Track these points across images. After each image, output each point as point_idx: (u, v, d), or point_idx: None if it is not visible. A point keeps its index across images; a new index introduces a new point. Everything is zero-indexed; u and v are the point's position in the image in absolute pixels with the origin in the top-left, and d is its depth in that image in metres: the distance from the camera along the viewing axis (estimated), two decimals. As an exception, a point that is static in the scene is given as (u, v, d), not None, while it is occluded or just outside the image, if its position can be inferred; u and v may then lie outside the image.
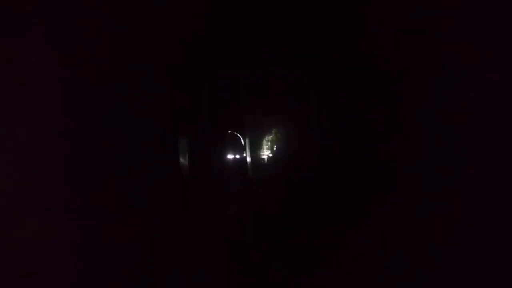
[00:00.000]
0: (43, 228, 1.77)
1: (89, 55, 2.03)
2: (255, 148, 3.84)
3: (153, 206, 2.43)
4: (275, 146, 3.79)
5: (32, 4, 1.78)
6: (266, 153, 3.87)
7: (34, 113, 1.79)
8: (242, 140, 3.83)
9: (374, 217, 2.54)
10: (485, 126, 1.82)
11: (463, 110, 1.93)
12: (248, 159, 3.84)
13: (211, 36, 2.95)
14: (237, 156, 3.82)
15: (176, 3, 2.58)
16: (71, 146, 1.93)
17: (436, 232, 2.08)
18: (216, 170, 3.56)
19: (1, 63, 1.70)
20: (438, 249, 2.04)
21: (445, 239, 2.02)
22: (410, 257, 2.19)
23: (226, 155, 3.78)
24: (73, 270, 1.88)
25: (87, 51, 2.01)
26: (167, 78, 2.72)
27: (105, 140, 2.12)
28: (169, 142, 2.83)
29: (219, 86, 3.36)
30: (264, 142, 3.87)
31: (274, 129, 3.83)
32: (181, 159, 2.99)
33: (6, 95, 1.71)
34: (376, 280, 2.30)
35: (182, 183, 2.97)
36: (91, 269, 1.95)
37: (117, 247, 2.12)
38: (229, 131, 3.82)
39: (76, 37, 1.95)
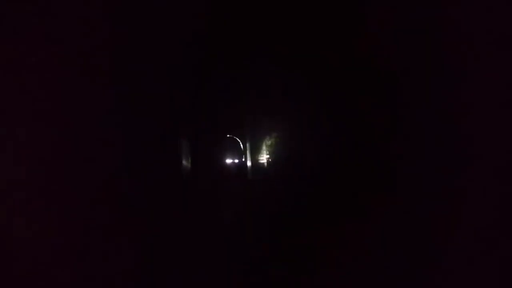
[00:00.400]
0: (43, 228, 1.77)
1: (89, 55, 2.03)
2: (255, 152, 3.83)
3: (153, 206, 2.43)
4: (275, 147, 3.78)
5: (32, 4, 1.79)
6: (265, 157, 3.86)
7: (34, 113, 1.79)
8: (241, 145, 3.82)
9: (374, 217, 2.54)
10: (485, 126, 1.82)
11: (463, 110, 1.93)
12: (249, 163, 3.83)
13: (211, 36, 2.96)
14: (236, 161, 3.81)
15: (176, 3, 2.58)
16: (71, 146, 1.92)
17: (436, 232, 2.08)
18: (216, 172, 3.56)
19: (1, 63, 1.70)
20: (438, 249, 2.04)
21: (445, 239, 2.01)
22: (410, 257, 2.19)
23: (226, 158, 3.77)
24: (73, 269, 1.88)
25: (87, 51, 2.01)
26: (167, 78, 2.72)
27: (105, 140, 2.12)
28: (169, 142, 2.83)
29: (219, 86, 3.36)
30: (264, 146, 3.86)
31: (274, 132, 3.82)
32: (181, 160, 2.99)
33: (6, 95, 1.71)
34: (376, 280, 2.30)
35: (182, 183, 2.97)
36: (91, 269, 1.95)
37: (117, 247, 2.12)
38: (229, 135, 3.81)
39: (76, 37, 1.95)
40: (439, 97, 2.09)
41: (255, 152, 3.86)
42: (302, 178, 3.28)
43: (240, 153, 3.84)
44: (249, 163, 3.85)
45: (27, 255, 1.71)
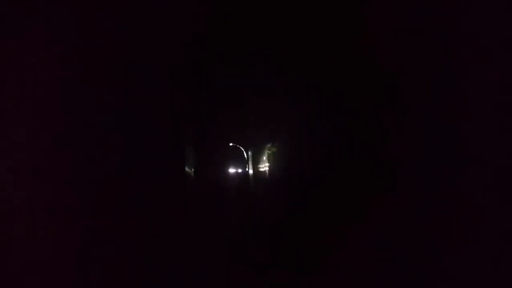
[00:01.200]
0: (43, 228, 1.77)
1: (89, 55, 2.03)
2: (256, 160, 3.80)
3: (153, 207, 2.43)
4: (276, 156, 3.75)
5: (32, 4, 1.79)
6: (266, 166, 3.82)
7: (34, 113, 1.79)
8: (245, 154, 3.79)
9: (374, 217, 2.54)
10: (485, 126, 1.82)
11: (463, 110, 1.93)
12: (250, 172, 3.80)
13: (211, 36, 2.96)
14: (240, 170, 3.78)
15: (176, 4, 2.58)
16: (71, 146, 1.93)
17: (436, 233, 2.08)
18: (219, 184, 3.54)
19: (1, 63, 1.70)
20: (438, 249, 2.04)
21: (445, 239, 2.02)
22: (410, 257, 2.19)
23: (229, 167, 3.74)
24: (74, 269, 1.88)
25: (87, 51, 2.01)
26: (167, 78, 2.72)
27: (105, 141, 2.12)
28: (170, 142, 2.83)
29: (220, 86, 3.36)
30: (265, 154, 3.82)
31: (275, 139, 3.77)
32: (183, 159, 3.00)
33: (6, 95, 1.71)
34: (376, 280, 2.30)
35: (183, 183, 2.98)
36: (91, 269, 1.95)
37: (117, 247, 2.12)
38: (232, 144, 3.78)
39: (76, 37, 1.95)
40: (439, 97, 2.09)
41: (256, 161, 3.83)
42: (302, 178, 3.28)
43: (243, 163, 3.79)
44: (250, 172, 3.81)
45: (27, 255, 1.71)
